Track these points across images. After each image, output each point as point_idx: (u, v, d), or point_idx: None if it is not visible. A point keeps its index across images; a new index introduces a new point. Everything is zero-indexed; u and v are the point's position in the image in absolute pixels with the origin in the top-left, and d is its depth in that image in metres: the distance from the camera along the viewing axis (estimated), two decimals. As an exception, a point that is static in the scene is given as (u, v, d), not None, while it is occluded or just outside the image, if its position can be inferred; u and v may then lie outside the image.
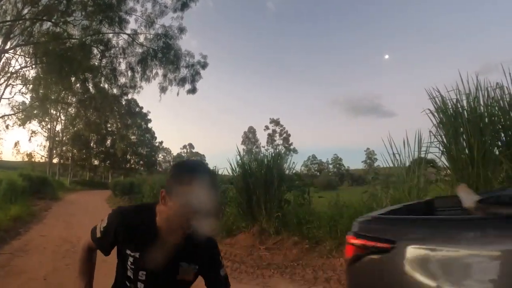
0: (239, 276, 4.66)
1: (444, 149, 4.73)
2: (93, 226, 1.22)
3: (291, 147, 61.81)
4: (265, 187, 7.19)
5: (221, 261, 1.24)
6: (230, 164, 8.29)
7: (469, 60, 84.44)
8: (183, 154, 68.69)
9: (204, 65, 15.91)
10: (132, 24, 20.87)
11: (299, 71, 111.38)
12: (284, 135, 65.08)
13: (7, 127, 20.99)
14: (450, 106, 4.74)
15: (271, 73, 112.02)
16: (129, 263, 1.15)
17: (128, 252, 1.13)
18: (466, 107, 4.58)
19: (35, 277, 4.29)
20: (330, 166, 69.03)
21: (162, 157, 62.75)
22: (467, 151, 4.36)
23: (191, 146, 71.07)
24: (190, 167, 1.08)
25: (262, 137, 67.24)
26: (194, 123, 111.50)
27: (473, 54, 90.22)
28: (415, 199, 4.61)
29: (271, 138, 65.13)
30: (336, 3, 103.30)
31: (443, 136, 4.77)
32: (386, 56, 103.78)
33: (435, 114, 4.90)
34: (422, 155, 5.03)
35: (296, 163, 8.64)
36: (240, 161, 8.01)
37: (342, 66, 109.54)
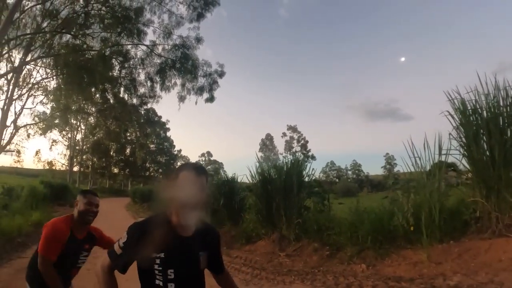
0: (260, 283, 4.91)
1: (464, 152, 4.81)
2: (109, 249, 1.36)
3: (309, 153, 62.49)
4: (285, 194, 7.41)
5: (220, 248, 1.54)
6: (250, 171, 8.57)
7: (485, 58, 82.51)
8: (201, 162, 69.99)
9: (221, 74, 16.49)
10: (150, 36, 21.78)
11: (314, 77, 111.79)
12: (302, 141, 66.07)
13: (28, 136, 22.25)
14: (469, 107, 4.82)
15: (286, 80, 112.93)
16: (156, 266, 1.27)
17: (154, 255, 1.27)
18: (485, 108, 4.65)
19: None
20: (349, 172, 68.59)
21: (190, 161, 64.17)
22: (488, 152, 4.43)
23: (209, 154, 72.42)
24: (180, 166, 1.39)
25: (279, 144, 68.46)
26: (212, 131, 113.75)
27: (489, 52, 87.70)
28: (436, 203, 4.74)
29: (288, 144, 66.05)
30: (348, 7, 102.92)
31: (463, 138, 4.85)
32: (402, 59, 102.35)
33: (454, 115, 4.99)
34: (443, 159, 5.12)
35: (315, 170, 8.79)
36: (259, 169, 8.27)
37: (357, 70, 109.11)
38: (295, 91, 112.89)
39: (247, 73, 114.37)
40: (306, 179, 8.19)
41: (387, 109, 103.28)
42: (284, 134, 67.18)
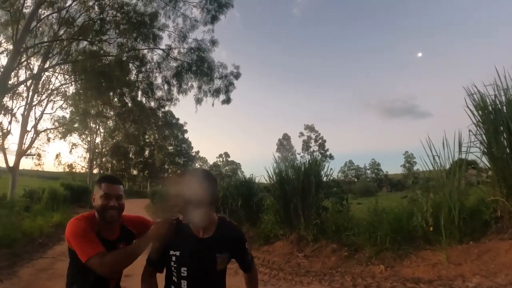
0: (277, 283, 5.08)
1: (484, 149, 4.80)
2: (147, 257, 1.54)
3: (327, 153, 62.62)
4: (303, 194, 7.53)
5: (247, 249, 1.62)
6: (268, 172, 8.73)
7: (504, 52, 78.22)
8: (219, 163, 71.29)
9: (237, 75, 16.83)
10: (165, 40, 22.36)
11: (329, 76, 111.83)
12: (320, 141, 65.91)
13: (48, 140, 23.23)
14: (489, 103, 4.80)
15: (301, 79, 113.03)
16: (172, 263, 1.44)
17: (171, 252, 1.45)
18: (504, 103, 4.62)
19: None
20: (368, 171, 67.80)
21: (198, 166, 65.49)
22: (508, 150, 4.41)
23: (226, 155, 73.64)
24: (185, 171, 1.63)
25: (297, 144, 68.61)
26: (229, 132, 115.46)
27: (508, 46, 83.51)
28: (456, 203, 4.76)
29: (306, 144, 66.11)
30: (362, 4, 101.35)
31: (483, 135, 4.84)
32: (419, 54, 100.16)
33: (474, 111, 4.98)
34: (463, 156, 5.11)
35: (333, 170, 8.88)
36: (277, 169, 8.42)
37: (373, 67, 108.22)
38: (311, 91, 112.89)
39: (262, 74, 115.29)
40: (324, 179, 8.27)
41: (405, 106, 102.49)
42: (301, 134, 67.44)
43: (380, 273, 4.85)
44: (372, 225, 5.84)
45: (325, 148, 64.57)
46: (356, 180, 62.04)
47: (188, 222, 1.47)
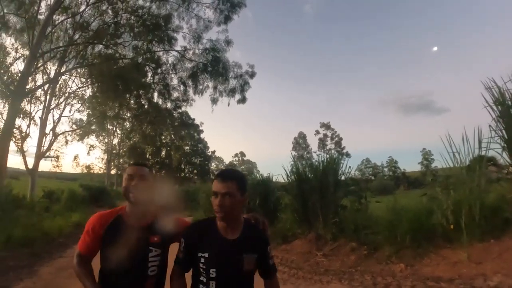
0: (297, 282, 5.23)
1: (505, 144, 4.78)
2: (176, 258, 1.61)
3: (344, 151, 62.06)
4: (321, 193, 7.63)
5: (269, 252, 1.63)
6: (285, 170, 8.86)
7: None
8: (234, 162, 72.04)
9: (252, 75, 17.04)
10: (180, 41, 22.82)
11: (343, 73, 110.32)
12: (336, 139, 65.48)
13: (66, 142, 24.02)
14: (508, 98, 4.77)
15: (316, 77, 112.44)
16: (200, 264, 1.49)
17: (200, 254, 1.50)
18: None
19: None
20: (385, 169, 67.00)
21: (215, 165, 66.54)
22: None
23: (242, 154, 74.31)
24: None
25: (313, 142, 68.29)
26: (245, 131, 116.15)
27: None
28: (476, 200, 4.78)
29: (322, 142, 65.70)
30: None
31: (503, 131, 4.82)
32: (435, 48, 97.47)
33: (493, 106, 4.95)
34: (483, 153, 5.10)
35: (351, 168, 8.91)
36: (294, 168, 8.54)
37: (386, 63, 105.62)
38: (325, 88, 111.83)
39: (276, 72, 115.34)
40: (342, 177, 8.32)
41: (421, 102, 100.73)
42: (317, 132, 66.88)
43: (400, 272, 4.92)
44: (391, 224, 5.85)
45: (342, 146, 64.29)
46: (373, 178, 61.43)
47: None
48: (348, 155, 61.59)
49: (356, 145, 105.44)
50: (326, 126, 66.44)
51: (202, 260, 1.49)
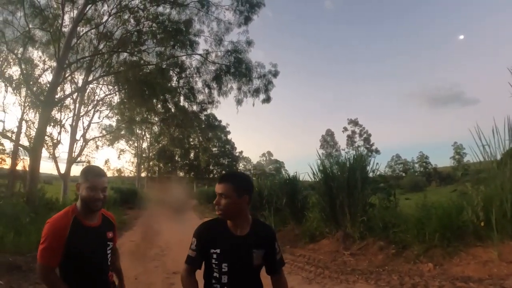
0: (323, 281, 5.36)
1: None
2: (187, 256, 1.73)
3: (373, 147, 61.62)
4: (348, 191, 7.67)
5: (276, 248, 1.78)
6: (312, 169, 8.98)
7: None
8: (262, 162, 72.55)
9: (275, 74, 17.29)
10: (202, 45, 23.51)
11: (368, 67, 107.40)
12: (364, 135, 64.67)
13: (97, 147, 25.32)
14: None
15: (340, 73, 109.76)
16: (213, 260, 1.63)
17: (212, 250, 1.64)
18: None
19: (127, 277, 5.64)
20: (416, 165, 64.86)
21: (243, 166, 67.64)
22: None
23: (269, 153, 74.80)
24: None
25: (341, 139, 67.63)
26: (272, 130, 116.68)
27: None
28: (508, 196, 4.70)
29: (350, 139, 65.04)
30: None
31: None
32: (461, 37, 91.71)
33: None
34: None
35: (379, 164, 8.86)
36: (321, 166, 8.64)
37: (412, 55, 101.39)
38: (350, 84, 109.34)
39: (299, 70, 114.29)
40: (370, 174, 8.33)
41: (450, 94, 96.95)
42: (345, 129, 66.18)
43: (428, 272, 4.93)
44: (420, 221, 5.83)
45: (371, 143, 63.50)
46: (404, 174, 59.71)
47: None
48: (377, 151, 61.23)
49: (385, 141, 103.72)
50: (354, 122, 65.71)
51: (214, 256, 1.64)
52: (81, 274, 1.81)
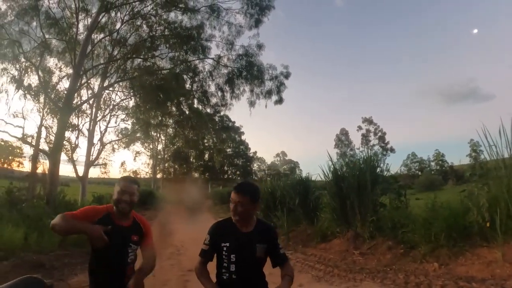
0: (331, 279, 5.59)
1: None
2: (200, 251, 2.08)
3: (388, 146, 60.91)
4: (359, 191, 7.82)
5: (279, 244, 2.11)
6: (322, 170, 9.18)
7: None
8: (276, 162, 72.48)
9: (287, 75, 17.54)
10: (214, 49, 23.99)
11: (381, 65, 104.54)
12: (379, 134, 63.61)
13: (113, 150, 26.11)
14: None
15: (353, 71, 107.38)
16: (223, 252, 1.97)
17: (222, 244, 1.98)
18: None
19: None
20: (432, 163, 63.47)
21: (257, 166, 67.95)
22: None
23: (283, 154, 74.35)
24: None
25: (355, 139, 66.45)
26: (286, 131, 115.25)
27: None
28: (512, 197, 4.77)
29: (365, 138, 64.07)
30: None
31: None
32: (475, 31, 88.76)
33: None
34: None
35: (390, 165, 8.94)
36: (331, 167, 8.82)
37: (424, 51, 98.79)
38: (363, 82, 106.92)
39: (313, 70, 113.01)
40: (382, 174, 8.42)
41: (464, 90, 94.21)
42: (360, 128, 64.97)
43: (434, 271, 5.07)
44: (428, 221, 5.92)
45: (386, 141, 62.61)
46: (419, 173, 58.52)
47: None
48: (392, 150, 60.54)
49: (401, 140, 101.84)
50: (369, 121, 64.65)
51: (225, 248, 1.98)
52: (100, 263, 2.17)
